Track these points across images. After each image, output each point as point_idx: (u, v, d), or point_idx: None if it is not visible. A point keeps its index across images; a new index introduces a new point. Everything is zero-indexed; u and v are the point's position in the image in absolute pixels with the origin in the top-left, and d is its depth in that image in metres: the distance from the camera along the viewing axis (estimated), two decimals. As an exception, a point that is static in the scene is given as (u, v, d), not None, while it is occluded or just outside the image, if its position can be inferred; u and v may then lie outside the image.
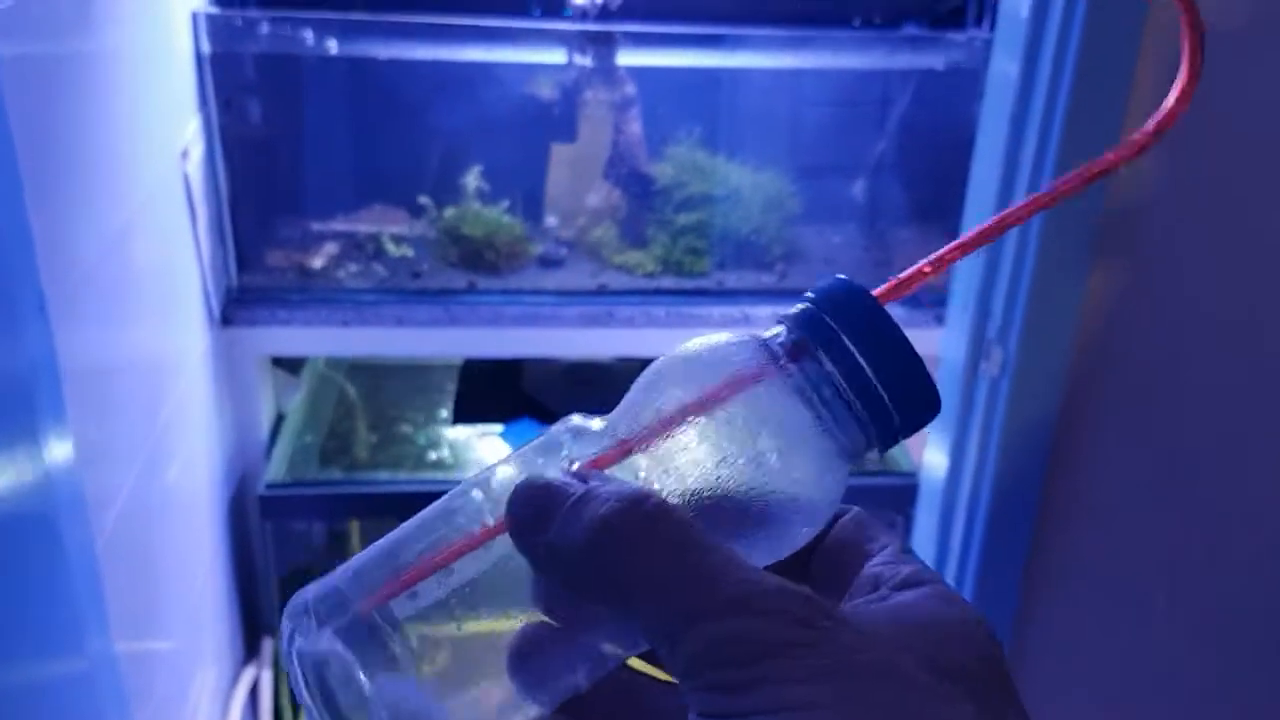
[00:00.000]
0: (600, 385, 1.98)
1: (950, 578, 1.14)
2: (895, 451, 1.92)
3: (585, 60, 1.75)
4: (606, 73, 1.78)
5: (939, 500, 1.17)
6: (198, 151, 1.56)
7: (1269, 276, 0.97)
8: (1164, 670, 1.18)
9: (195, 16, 1.55)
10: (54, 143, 1.08)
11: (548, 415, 1.93)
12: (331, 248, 1.82)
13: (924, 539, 1.23)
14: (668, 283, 1.84)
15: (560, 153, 1.88)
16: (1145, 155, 1.06)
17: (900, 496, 1.88)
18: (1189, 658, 1.17)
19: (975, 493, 1.11)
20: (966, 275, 1.06)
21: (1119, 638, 1.17)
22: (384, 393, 2.05)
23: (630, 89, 1.81)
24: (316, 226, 1.85)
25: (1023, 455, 1.06)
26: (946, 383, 1.13)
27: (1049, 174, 0.97)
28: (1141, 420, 1.06)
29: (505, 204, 1.86)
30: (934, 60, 1.81)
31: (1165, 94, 0.99)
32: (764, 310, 1.81)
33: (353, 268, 1.82)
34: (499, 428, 1.90)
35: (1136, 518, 1.11)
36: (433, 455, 1.88)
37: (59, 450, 0.96)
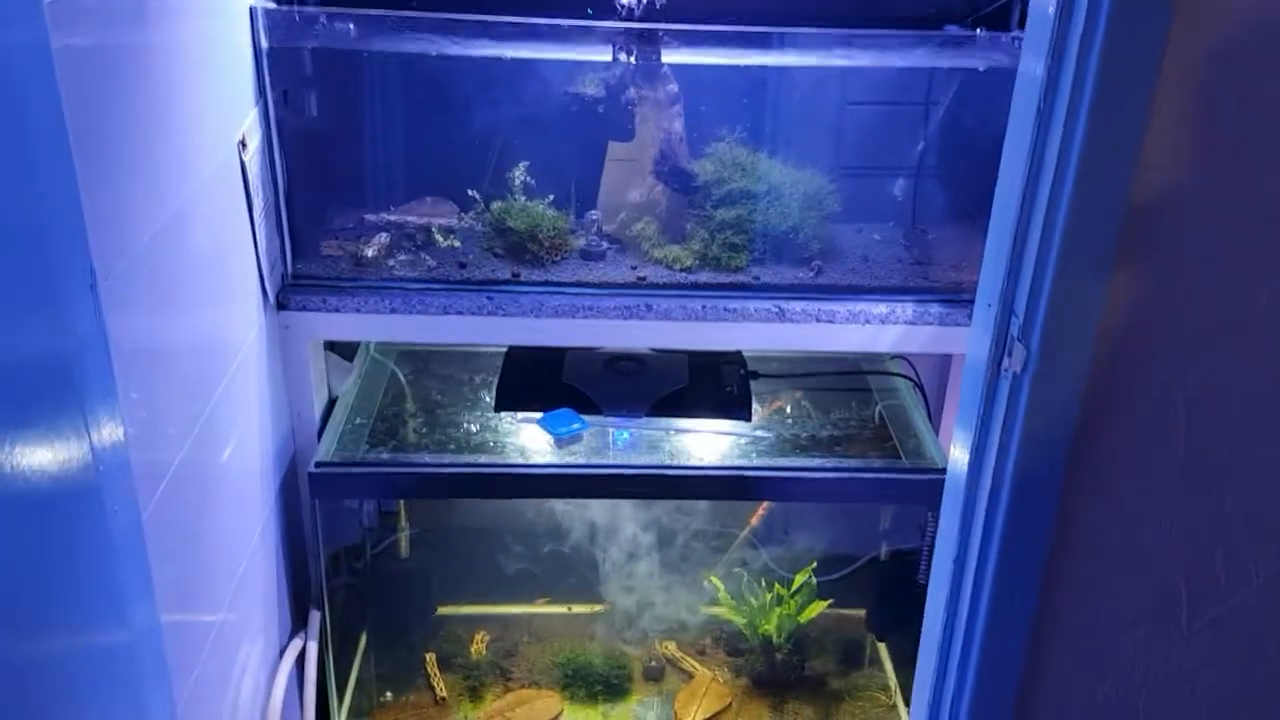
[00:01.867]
0: (638, 376, 2.02)
1: (970, 574, 1.16)
2: (930, 447, 1.93)
3: (630, 58, 1.79)
4: (651, 71, 1.82)
5: (961, 496, 1.19)
6: (255, 142, 1.63)
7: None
8: (1183, 668, 1.19)
9: (254, 11, 1.61)
10: (111, 130, 1.14)
11: (587, 404, 1.97)
12: (382, 238, 1.88)
13: (946, 535, 1.24)
14: (705, 277, 1.87)
15: (604, 149, 1.92)
16: (1175, 151, 1.08)
17: (933, 491, 1.89)
18: (1208, 657, 1.18)
19: (996, 489, 1.12)
20: (991, 273, 1.08)
21: (1138, 636, 1.18)
22: (431, 378, 2.11)
23: (673, 87, 1.84)
24: (368, 217, 1.92)
25: (1043, 452, 1.08)
26: (970, 379, 1.15)
27: (1072, 174, 0.98)
28: (1163, 420, 1.07)
29: (550, 198, 1.90)
30: (975, 60, 1.82)
31: (1191, 95, 1.02)
32: (799, 306, 1.83)
33: (402, 257, 1.88)
34: (538, 414, 1.95)
35: (1157, 516, 1.12)
36: (476, 439, 1.93)
37: (107, 426, 1.02)
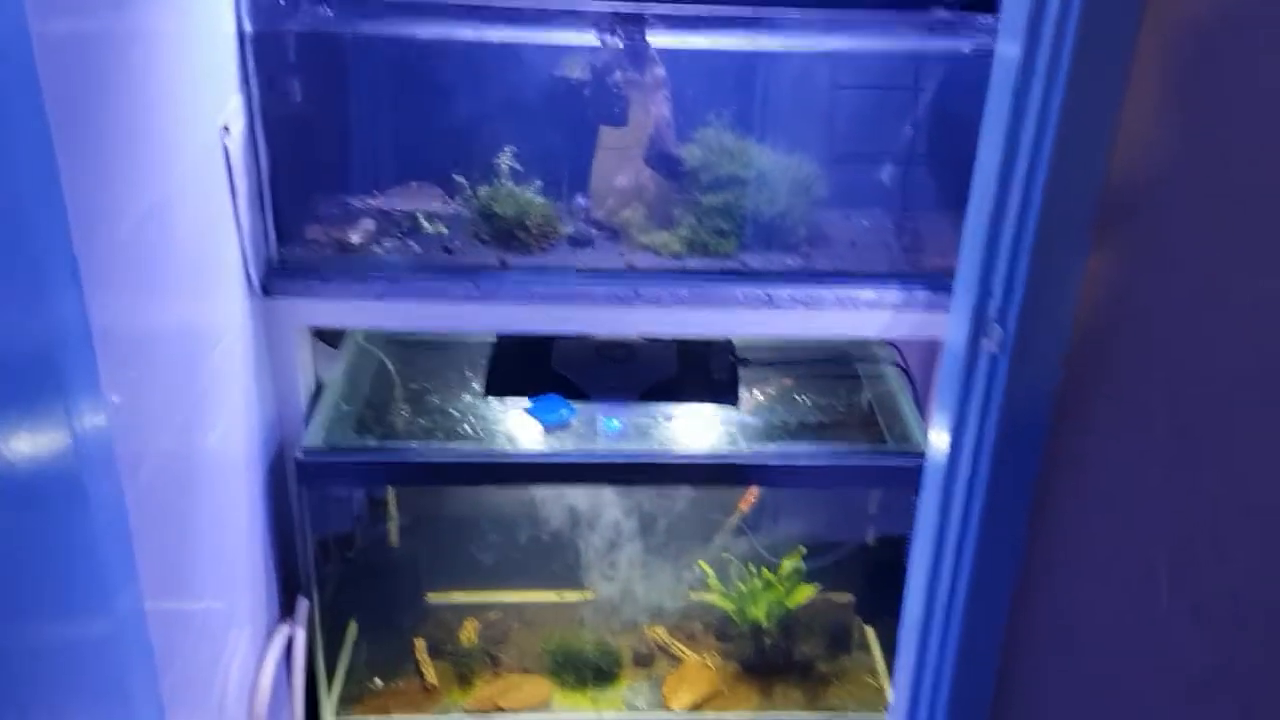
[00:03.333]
0: (627, 363, 2.02)
1: (949, 556, 1.17)
2: (917, 433, 1.94)
3: (616, 42, 1.78)
4: (637, 54, 1.81)
5: (941, 477, 1.19)
6: (238, 127, 1.62)
7: (1271, 255, 0.98)
8: (1164, 649, 1.19)
9: (238, -4, 1.60)
10: (93, 117, 1.13)
11: (575, 391, 1.97)
12: (368, 224, 1.88)
13: (926, 516, 1.25)
14: (694, 263, 1.87)
15: (591, 134, 1.91)
16: (1151, 131, 1.07)
17: (920, 476, 1.89)
18: (1189, 637, 1.18)
19: (974, 470, 1.13)
20: (970, 255, 1.08)
21: (1119, 616, 1.19)
22: (420, 366, 2.11)
23: (660, 71, 1.84)
24: (354, 203, 1.91)
25: (1021, 433, 1.08)
26: (949, 361, 1.15)
27: (1047, 154, 0.98)
28: (1141, 399, 1.07)
29: (537, 184, 1.90)
30: (961, 43, 1.81)
31: (1166, 74, 1.01)
32: (786, 291, 1.83)
33: (388, 243, 1.87)
34: (527, 402, 1.95)
35: (1135, 496, 1.12)
36: (464, 426, 1.93)
37: (89, 414, 1.01)
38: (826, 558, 2.14)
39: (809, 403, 2.06)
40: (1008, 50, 1.03)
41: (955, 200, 2.01)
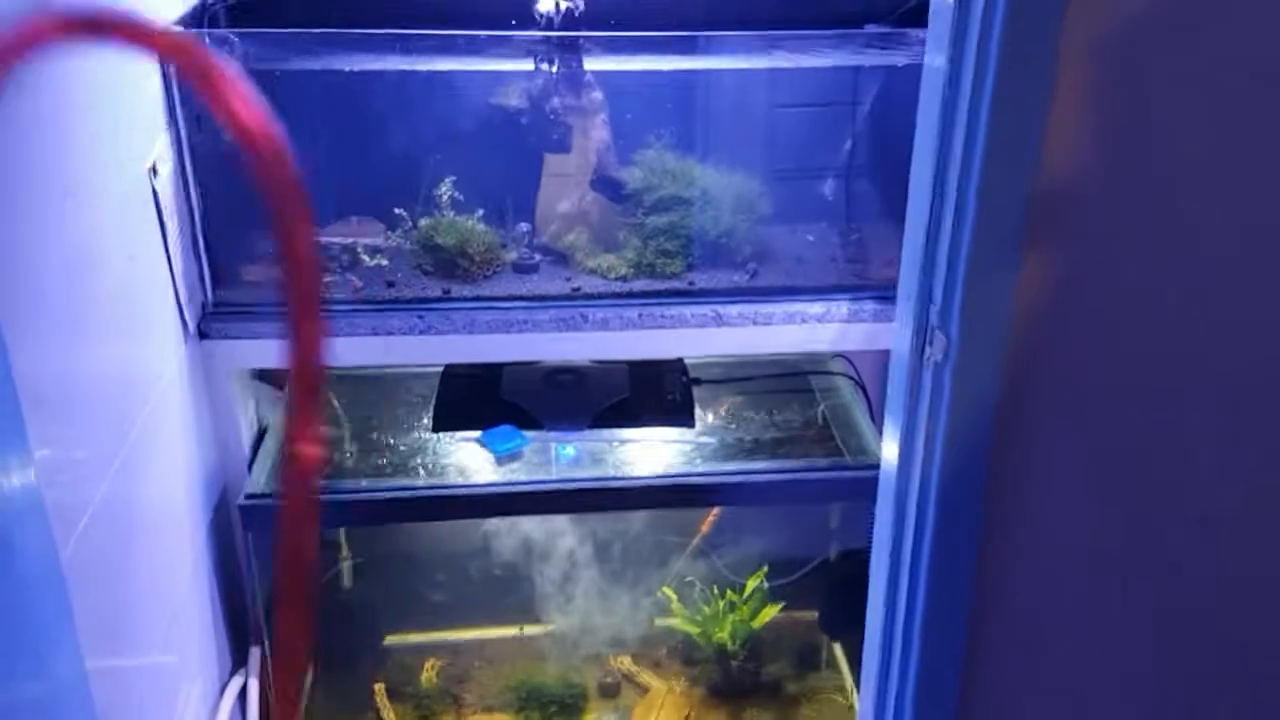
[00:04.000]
0: (578, 389, 1.99)
1: (905, 566, 1.15)
2: (872, 444, 1.93)
3: (552, 67, 1.77)
4: (574, 79, 1.80)
5: (893, 488, 1.18)
6: (167, 167, 1.58)
7: (1201, 260, 0.98)
8: (1122, 657, 1.18)
9: (161, 34, 1.56)
10: (9, 159, 1.09)
11: (526, 419, 1.94)
12: (307, 260, 1.84)
13: (881, 527, 1.24)
14: (641, 285, 1.85)
15: (531, 161, 1.89)
16: (1077, 138, 1.06)
17: (873, 487, 1.89)
18: (1146, 645, 1.18)
19: (925, 479, 1.12)
20: (910, 264, 1.07)
21: (1077, 624, 1.18)
22: (366, 401, 2.06)
23: (598, 94, 1.83)
24: (291, 239, 1.87)
25: (968, 440, 1.07)
26: (896, 371, 1.14)
27: (978, 164, 0.98)
28: (1080, 406, 1.07)
29: (479, 213, 1.87)
30: (896, 58, 1.82)
31: (1090, 80, 1.01)
32: (735, 309, 1.82)
33: (327, 279, 1.83)
34: (478, 434, 1.92)
35: (1082, 506, 1.12)
36: (415, 462, 1.89)
37: (16, 468, 0.97)
38: (790, 576, 2.12)
39: (764, 419, 2.04)
40: (934, 60, 1.03)
41: (898, 212, 2.02)
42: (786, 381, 2.14)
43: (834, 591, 2.13)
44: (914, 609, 1.16)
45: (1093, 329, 1.02)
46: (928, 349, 1.04)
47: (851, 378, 2.12)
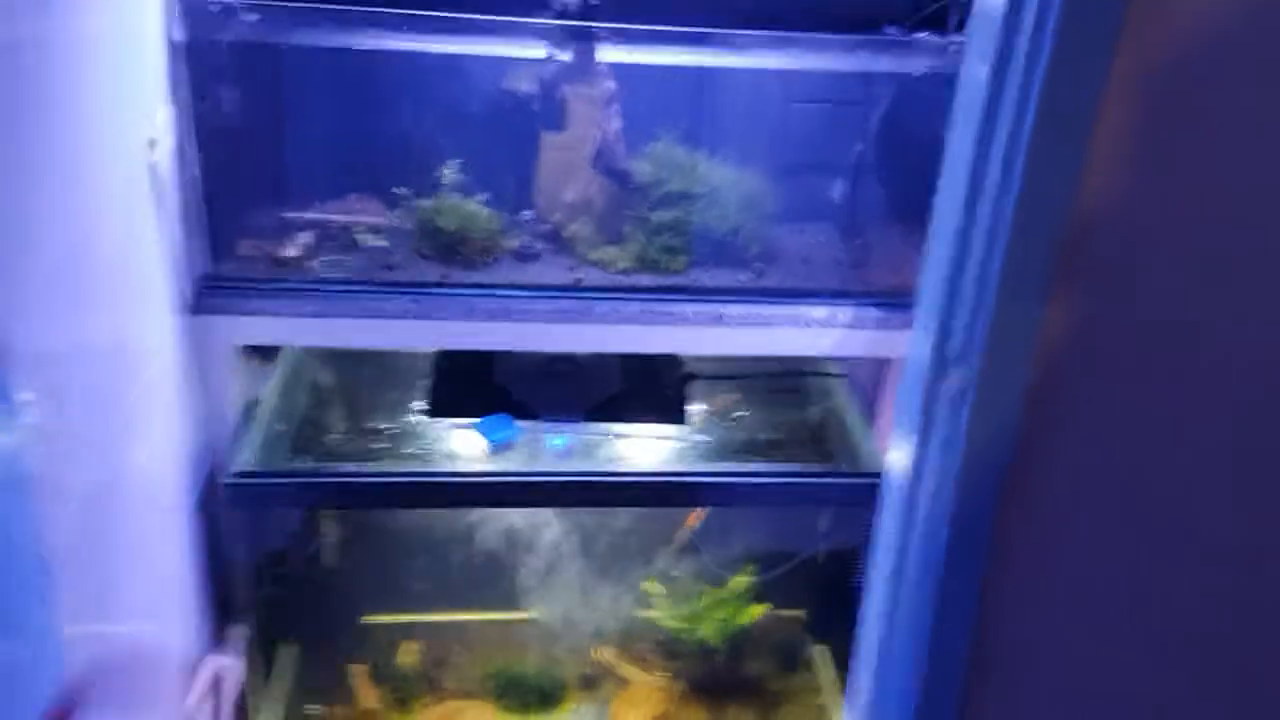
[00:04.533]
0: (574, 379, 1.97)
1: (911, 586, 1.14)
2: (867, 448, 1.92)
3: (565, 55, 1.73)
4: (586, 68, 1.76)
5: (899, 518, 1.16)
6: (166, 142, 1.54)
7: (1233, 295, 0.96)
8: (1134, 692, 1.17)
9: (167, 2, 1.53)
10: (8, 131, 1.06)
11: (521, 409, 1.92)
12: (305, 238, 1.81)
13: (885, 546, 1.22)
14: (643, 280, 1.83)
15: (540, 147, 1.86)
16: (1119, 165, 1.02)
17: (872, 495, 1.87)
18: (1160, 679, 1.17)
19: (935, 505, 1.10)
20: (931, 290, 1.05)
21: (1087, 658, 1.17)
22: (359, 382, 2.04)
23: (610, 85, 1.79)
24: (291, 216, 1.84)
25: (982, 474, 1.06)
26: (907, 399, 1.12)
27: (1017, 187, 0.95)
28: (1105, 443, 1.05)
29: (483, 197, 1.84)
30: (913, 64, 1.80)
31: (1139, 105, 0.96)
32: (738, 310, 1.80)
33: (325, 258, 1.80)
34: (471, 419, 1.90)
35: (1100, 540, 1.11)
36: (406, 447, 1.87)
37: (3, 432, 0.96)
38: (776, 574, 2.11)
39: (757, 418, 2.03)
40: (975, 73, 0.99)
41: (906, 217, 2.00)
42: (782, 380, 2.12)
43: (821, 593, 2.13)
44: (917, 631, 1.15)
45: (1121, 368, 0.99)
46: (945, 381, 1.02)
47: (847, 379, 2.11)
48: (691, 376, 2.04)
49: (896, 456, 1.18)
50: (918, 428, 1.09)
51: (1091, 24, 0.90)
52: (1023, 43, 0.93)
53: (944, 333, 1.02)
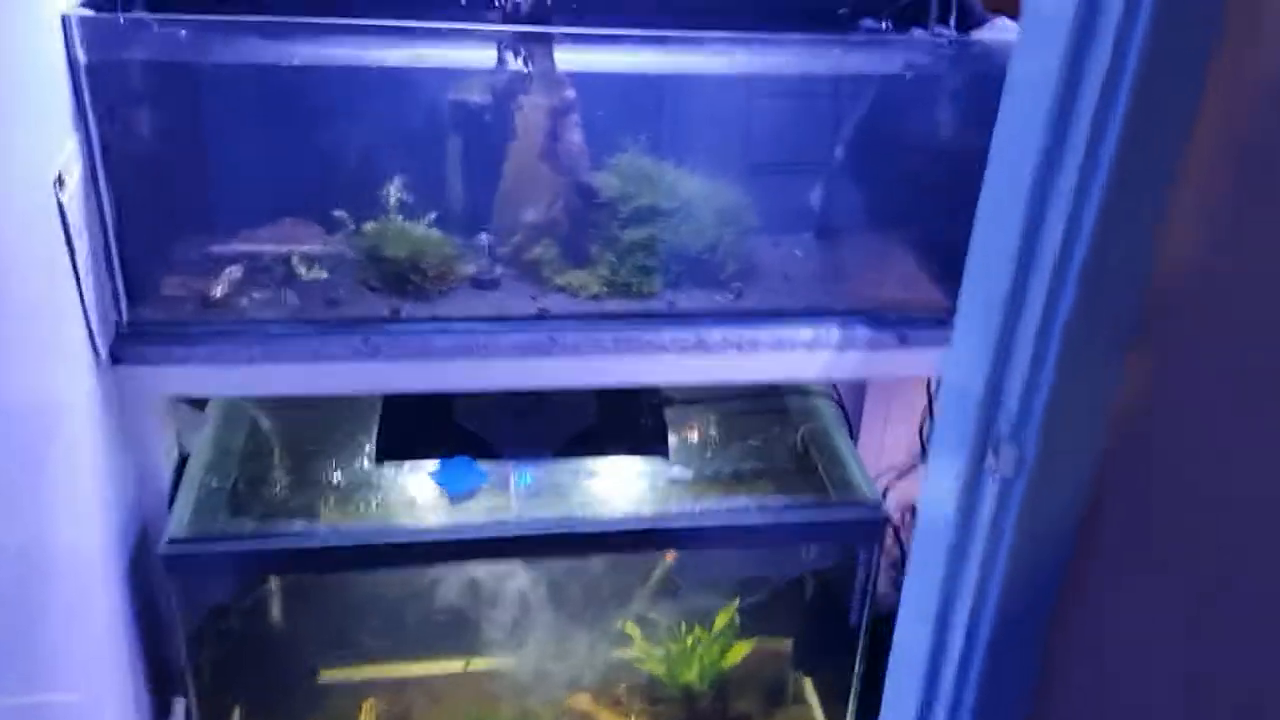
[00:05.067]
0: (540, 414, 1.82)
1: (945, 697, 1.00)
2: (857, 476, 1.79)
3: (518, 63, 1.57)
4: (543, 76, 1.60)
5: (935, 608, 1.00)
6: (75, 176, 1.35)
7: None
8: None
9: (66, 20, 1.33)
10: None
11: (485, 448, 1.76)
12: (234, 272, 1.62)
13: (915, 646, 1.06)
14: (614, 305, 1.67)
15: (492, 163, 1.69)
16: (1206, 219, 0.82)
17: (866, 528, 1.75)
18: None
19: (976, 614, 0.95)
20: (969, 353, 0.90)
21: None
22: (301, 425, 1.85)
23: (569, 93, 1.63)
24: (217, 248, 1.65)
25: (1036, 570, 0.91)
26: (941, 479, 0.96)
27: (1090, 227, 0.78)
28: (1180, 539, 0.90)
29: (431, 216, 1.67)
30: (892, 62, 1.66)
31: (1233, 139, 0.76)
32: (718, 333, 1.65)
33: (258, 295, 1.62)
34: (431, 465, 1.73)
35: (1165, 650, 0.96)
36: (357, 499, 1.70)
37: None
38: (762, 609, 1.98)
39: (739, 444, 1.89)
40: (1029, 70, 0.80)
41: (892, 225, 1.87)
42: (763, 401, 1.98)
43: (808, 626, 2.01)
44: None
45: (1206, 449, 0.85)
46: (991, 460, 0.87)
47: (832, 398, 1.98)
48: (668, 400, 1.89)
49: (922, 551, 1.02)
50: (954, 521, 0.93)
51: (1189, 27, 0.74)
52: (1108, 29, 0.75)
53: (991, 403, 0.87)
